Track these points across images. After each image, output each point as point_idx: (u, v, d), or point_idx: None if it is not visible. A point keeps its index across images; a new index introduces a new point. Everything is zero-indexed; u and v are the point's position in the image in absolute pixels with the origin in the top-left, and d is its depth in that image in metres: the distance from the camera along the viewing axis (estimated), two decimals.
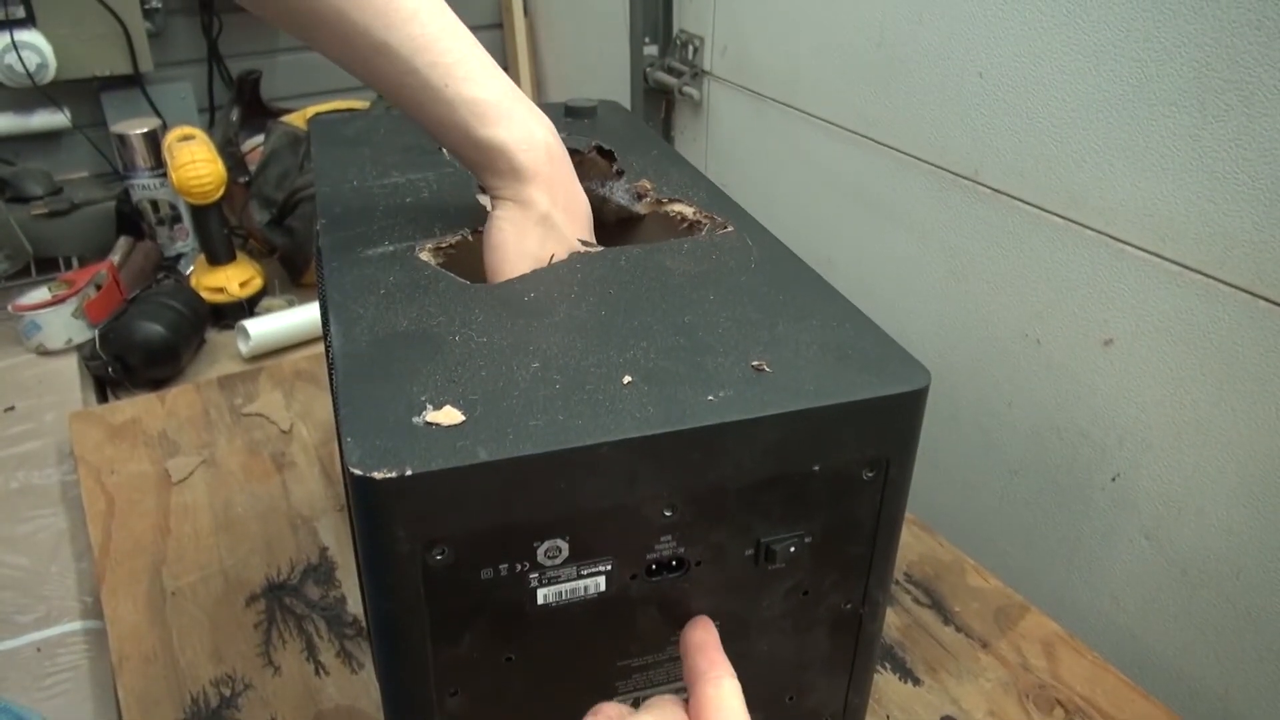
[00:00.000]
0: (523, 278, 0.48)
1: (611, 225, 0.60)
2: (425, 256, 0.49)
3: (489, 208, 0.51)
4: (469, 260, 0.51)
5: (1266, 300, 0.62)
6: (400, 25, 0.46)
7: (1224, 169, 0.63)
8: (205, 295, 1.18)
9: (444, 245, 0.51)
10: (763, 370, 0.40)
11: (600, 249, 0.51)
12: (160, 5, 1.40)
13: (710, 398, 0.38)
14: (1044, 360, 0.80)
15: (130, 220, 1.33)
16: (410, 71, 0.47)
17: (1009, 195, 0.79)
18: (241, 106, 1.46)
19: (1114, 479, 0.76)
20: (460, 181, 0.59)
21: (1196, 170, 0.65)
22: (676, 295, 0.46)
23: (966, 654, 0.68)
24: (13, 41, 1.23)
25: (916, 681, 0.66)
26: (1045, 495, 0.82)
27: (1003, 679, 0.66)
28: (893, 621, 0.71)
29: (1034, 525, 0.84)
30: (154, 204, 1.31)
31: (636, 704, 0.45)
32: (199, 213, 1.17)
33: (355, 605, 0.72)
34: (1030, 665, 0.67)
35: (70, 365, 1.14)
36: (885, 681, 0.65)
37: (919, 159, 0.88)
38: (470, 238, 0.52)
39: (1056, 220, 0.76)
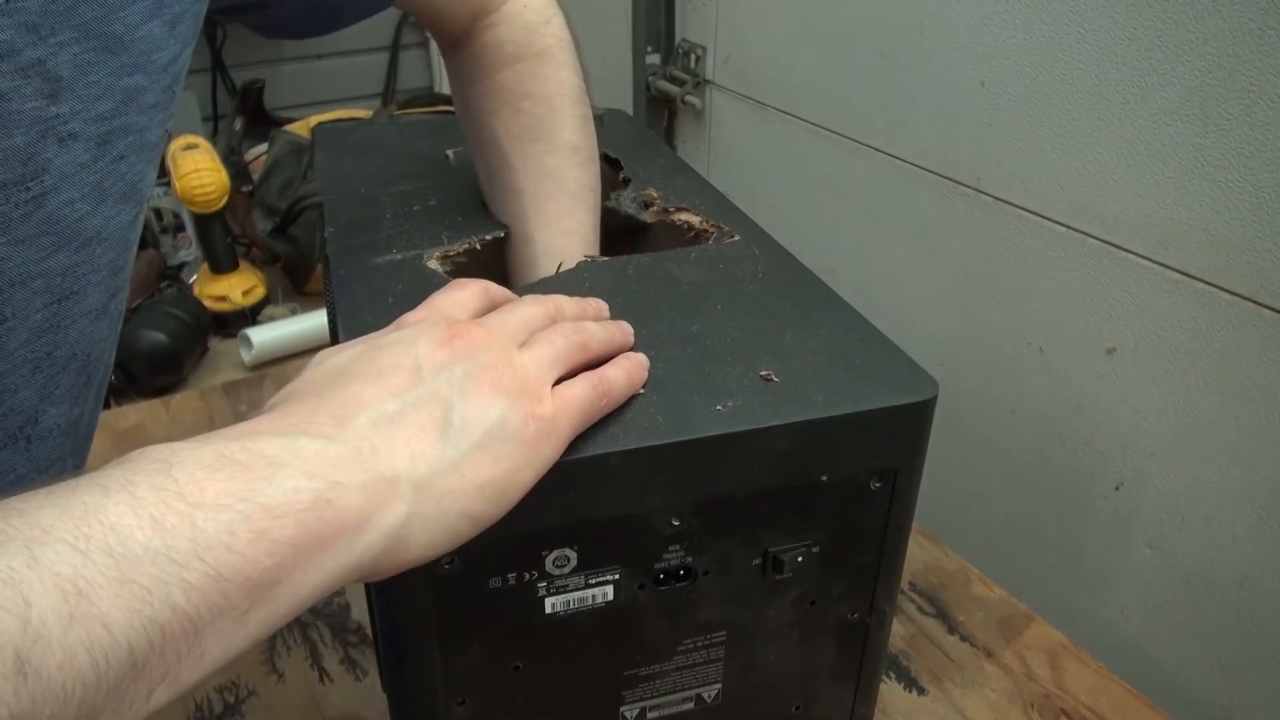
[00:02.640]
0: (530, 287, 0.48)
1: (618, 234, 0.60)
2: (433, 265, 0.49)
3: None
4: (477, 268, 0.51)
5: (1269, 309, 0.62)
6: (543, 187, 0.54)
7: (1226, 177, 0.63)
8: (208, 304, 1.18)
9: (452, 253, 0.51)
10: (771, 380, 0.40)
11: (607, 259, 0.51)
12: None
13: (719, 407, 0.38)
14: (1047, 368, 0.80)
15: None
16: (522, 220, 0.54)
17: (1011, 204, 0.80)
18: (245, 115, 1.46)
19: (1118, 488, 0.76)
20: (468, 190, 0.59)
21: (1199, 178, 0.65)
22: (684, 304, 0.46)
23: (971, 664, 0.68)
24: None
25: (921, 691, 0.66)
26: (1049, 504, 0.82)
27: (1007, 689, 0.66)
28: (897, 631, 0.70)
29: (1037, 534, 0.84)
30: (157, 213, 1.31)
31: (643, 715, 0.45)
32: (202, 221, 1.17)
33: (359, 612, 0.71)
34: (1035, 675, 0.67)
35: None
36: (890, 691, 0.65)
37: (921, 167, 0.88)
38: (478, 246, 0.52)
39: (1059, 229, 0.76)
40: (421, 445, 0.31)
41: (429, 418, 0.31)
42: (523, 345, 0.36)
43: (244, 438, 0.28)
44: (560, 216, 0.53)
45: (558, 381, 0.36)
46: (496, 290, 0.41)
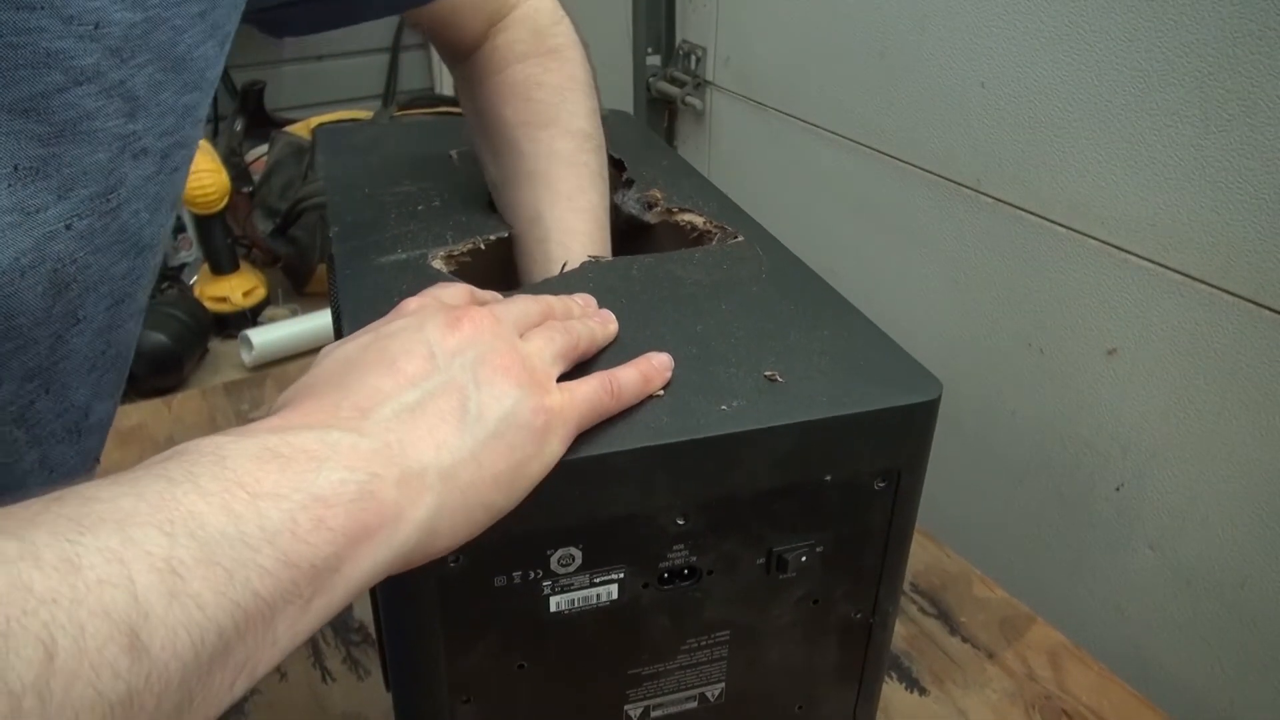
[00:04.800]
0: (535, 287, 0.48)
1: (622, 234, 0.60)
2: (438, 265, 0.50)
3: None
4: (482, 268, 0.51)
5: (1270, 310, 0.63)
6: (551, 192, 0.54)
7: (1227, 178, 0.63)
8: (209, 305, 1.18)
9: (456, 253, 0.51)
10: (775, 380, 0.40)
11: (611, 259, 0.52)
12: None
13: (723, 407, 0.38)
14: (1047, 370, 0.80)
15: None
16: (532, 200, 0.54)
17: (1011, 205, 0.80)
18: (245, 116, 1.46)
19: (1118, 489, 0.76)
20: (471, 190, 0.59)
21: (1199, 180, 0.65)
22: (689, 305, 0.46)
23: (973, 664, 0.68)
24: None
25: (923, 692, 0.66)
26: (1050, 505, 0.82)
27: (1009, 690, 0.66)
28: (899, 631, 0.70)
29: (1038, 535, 0.84)
30: None
31: (646, 714, 0.45)
32: (203, 222, 1.17)
33: (361, 611, 0.72)
34: (1036, 676, 0.67)
35: None
36: (892, 691, 0.65)
37: (921, 169, 0.88)
38: (483, 246, 0.52)
39: (1059, 230, 0.76)
40: (443, 435, 0.31)
41: (448, 406, 0.32)
42: (522, 337, 0.37)
43: (280, 432, 0.28)
44: (572, 196, 0.53)
45: (561, 379, 0.36)
46: (480, 293, 0.41)
